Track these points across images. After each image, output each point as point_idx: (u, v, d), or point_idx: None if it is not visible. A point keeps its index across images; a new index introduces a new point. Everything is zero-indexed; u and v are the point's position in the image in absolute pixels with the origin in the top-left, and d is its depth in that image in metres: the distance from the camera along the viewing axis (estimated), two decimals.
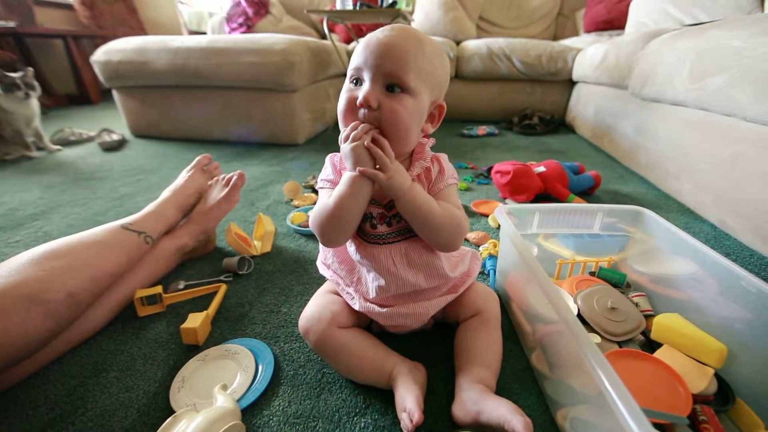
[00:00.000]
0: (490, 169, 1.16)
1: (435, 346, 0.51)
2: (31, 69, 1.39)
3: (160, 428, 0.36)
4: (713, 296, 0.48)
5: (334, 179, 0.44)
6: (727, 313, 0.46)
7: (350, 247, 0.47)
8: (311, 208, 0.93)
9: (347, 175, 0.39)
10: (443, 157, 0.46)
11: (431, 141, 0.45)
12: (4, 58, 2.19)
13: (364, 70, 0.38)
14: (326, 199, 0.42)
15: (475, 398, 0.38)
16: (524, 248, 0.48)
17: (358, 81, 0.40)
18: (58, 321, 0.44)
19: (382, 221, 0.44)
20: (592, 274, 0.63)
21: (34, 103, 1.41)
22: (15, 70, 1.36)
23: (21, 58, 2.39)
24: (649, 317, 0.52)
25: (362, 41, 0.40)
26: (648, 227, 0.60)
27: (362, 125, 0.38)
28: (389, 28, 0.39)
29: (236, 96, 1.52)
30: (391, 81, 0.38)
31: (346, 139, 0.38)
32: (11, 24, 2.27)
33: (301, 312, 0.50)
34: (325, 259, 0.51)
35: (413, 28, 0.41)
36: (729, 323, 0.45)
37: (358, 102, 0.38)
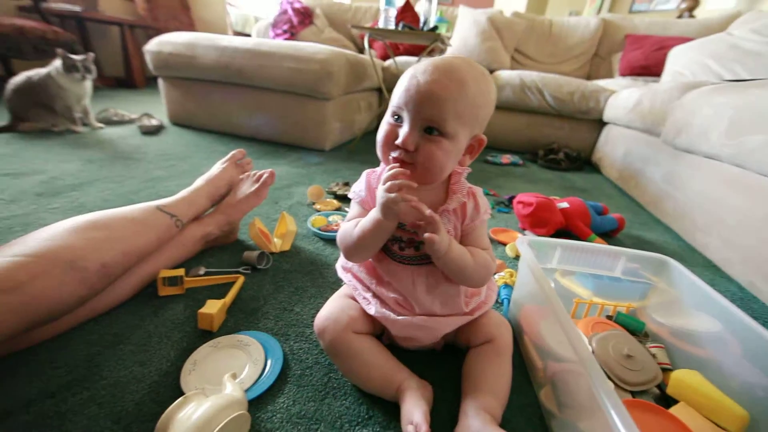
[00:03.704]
0: (511, 199, 1.16)
1: (442, 369, 0.50)
2: (92, 54, 1.49)
3: (170, 407, 0.37)
4: (736, 359, 0.46)
5: (365, 198, 0.47)
6: (750, 378, 0.44)
7: (371, 259, 0.48)
8: (332, 214, 0.95)
9: (374, 216, 0.41)
10: (479, 191, 0.47)
11: (467, 170, 0.47)
12: (65, 38, 2.35)
13: (404, 110, 0.39)
14: (355, 210, 0.46)
15: (478, 427, 0.38)
16: (546, 282, 0.48)
17: (398, 117, 0.41)
18: (89, 289, 0.46)
19: (411, 245, 0.45)
20: (609, 317, 0.62)
21: (88, 85, 1.50)
22: (73, 51, 1.46)
23: (80, 39, 2.57)
24: (666, 371, 0.51)
25: (404, 79, 0.40)
26: (672, 278, 0.58)
27: (399, 178, 0.38)
28: (432, 68, 0.38)
29: (272, 97, 1.58)
30: (429, 125, 0.39)
31: (385, 182, 0.39)
32: (76, 8, 2.45)
33: (313, 314, 0.51)
34: (345, 263, 0.52)
35: (459, 63, 0.40)
36: (751, 389, 0.43)
37: (396, 142, 0.39)
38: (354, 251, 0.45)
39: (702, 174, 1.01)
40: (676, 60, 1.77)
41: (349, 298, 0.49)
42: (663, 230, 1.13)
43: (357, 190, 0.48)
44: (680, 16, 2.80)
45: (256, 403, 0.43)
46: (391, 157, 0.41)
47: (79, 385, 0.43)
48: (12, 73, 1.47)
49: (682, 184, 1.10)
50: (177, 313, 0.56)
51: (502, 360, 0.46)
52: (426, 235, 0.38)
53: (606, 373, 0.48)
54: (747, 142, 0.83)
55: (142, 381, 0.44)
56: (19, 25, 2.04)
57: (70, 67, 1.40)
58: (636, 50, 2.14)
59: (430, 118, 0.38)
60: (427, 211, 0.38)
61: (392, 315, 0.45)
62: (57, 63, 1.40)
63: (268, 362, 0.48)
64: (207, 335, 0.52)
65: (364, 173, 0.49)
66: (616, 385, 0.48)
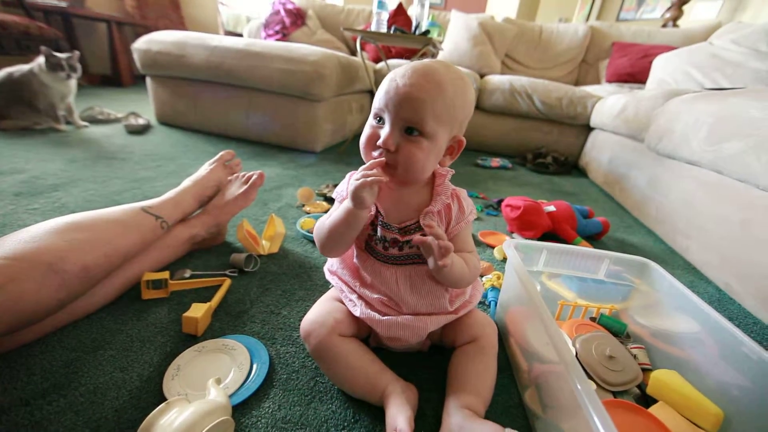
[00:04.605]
0: (500, 202, 1.17)
1: (429, 370, 0.50)
2: (77, 52, 1.45)
3: (152, 413, 0.36)
4: (713, 359, 0.47)
5: (346, 197, 0.47)
6: (725, 377, 0.45)
7: (355, 259, 0.48)
8: (322, 216, 0.95)
9: (345, 205, 0.42)
10: (463, 193, 0.47)
11: (451, 172, 0.47)
12: (50, 34, 2.29)
13: (385, 112, 0.41)
14: (334, 211, 0.46)
15: (460, 423, 0.38)
16: (531, 285, 0.48)
17: (380, 119, 0.42)
18: (69, 292, 0.45)
19: (395, 245, 0.46)
20: (592, 319, 0.63)
21: (73, 83, 1.47)
22: (58, 48, 1.42)
23: (65, 36, 2.51)
24: (646, 371, 0.52)
25: (385, 83, 0.41)
26: (653, 280, 0.60)
27: (373, 176, 0.39)
28: (411, 71, 0.40)
29: (263, 98, 1.57)
30: (409, 125, 0.40)
31: (359, 174, 0.40)
32: (62, 4, 2.40)
33: (300, 317, 0.51)
34: (331, 265, 0.53)
35: (437, 66, 0.41)
36: (726, 389, 0.45)
37: (378, 143, 0.41)
38: (327, 243, 0.45)
39: (683, 179, 1.04)
40: (661, 68, 1.83)
41: (335, 301, 0.49)
42: (646, 233, 1.16)
43: (339, 190, 0.49)
44: (665, 26, 2.89)
45: (241, 409, 0.42)
46: (373, 156, 0.42)
47: (56, 392, 0.41)
48: None
49: (664, 189, 1.13)
50: (161, 317, 0.55)
51: (486, 359, 0.47)
52: (439, 261, 0.39)
53: (589, 373, 0.49)
54: (725, 149, 0.86)
55: (122, 387, 0.43)
56: (0, 19, 1.98)
57: (54, 66, 1.36)
58: (622, 57, 2.20)
59: (409, 119, 0.39)
60: (443, 241, 0.38)
61: (377, 315, 0.46)
62: (40, 60, 1.37)
63: (254, 366, 0.48)
64: (191, 339, 0.51)
65: (348, 175, 0.49)
66: (598, 385, 0.49)
